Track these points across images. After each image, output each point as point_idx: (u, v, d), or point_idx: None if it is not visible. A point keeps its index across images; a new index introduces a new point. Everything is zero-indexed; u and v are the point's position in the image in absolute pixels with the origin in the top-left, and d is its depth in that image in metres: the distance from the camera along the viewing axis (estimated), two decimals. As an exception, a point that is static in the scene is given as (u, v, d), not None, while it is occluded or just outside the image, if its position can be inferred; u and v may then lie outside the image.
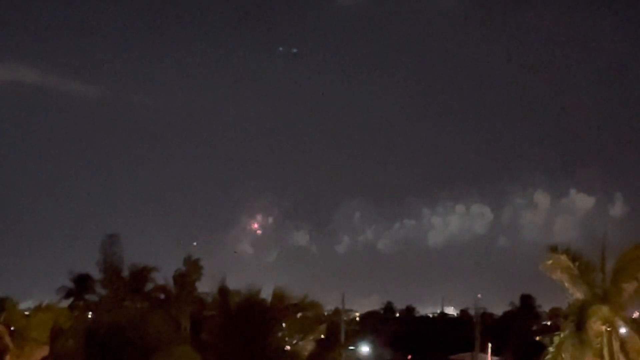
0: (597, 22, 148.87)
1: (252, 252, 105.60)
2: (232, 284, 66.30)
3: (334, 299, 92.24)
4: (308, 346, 65.24)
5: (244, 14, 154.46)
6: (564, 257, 40.55)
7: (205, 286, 70.68)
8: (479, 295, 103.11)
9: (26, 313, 57.77)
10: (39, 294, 65.05)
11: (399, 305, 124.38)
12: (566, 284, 40.62)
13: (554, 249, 41.20)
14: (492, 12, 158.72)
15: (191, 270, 69.60)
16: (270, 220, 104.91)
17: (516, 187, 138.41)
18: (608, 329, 39.39)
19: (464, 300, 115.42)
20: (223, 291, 63.65)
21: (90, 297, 68.21)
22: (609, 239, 41.63)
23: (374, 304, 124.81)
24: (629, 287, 39.49)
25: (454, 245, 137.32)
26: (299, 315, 64.50)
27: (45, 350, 53.15)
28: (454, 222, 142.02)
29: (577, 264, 40.26)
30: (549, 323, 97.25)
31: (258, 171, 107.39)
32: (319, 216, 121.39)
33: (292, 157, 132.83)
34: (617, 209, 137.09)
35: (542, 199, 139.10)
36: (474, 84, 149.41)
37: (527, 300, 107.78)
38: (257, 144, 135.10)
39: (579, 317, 39.46)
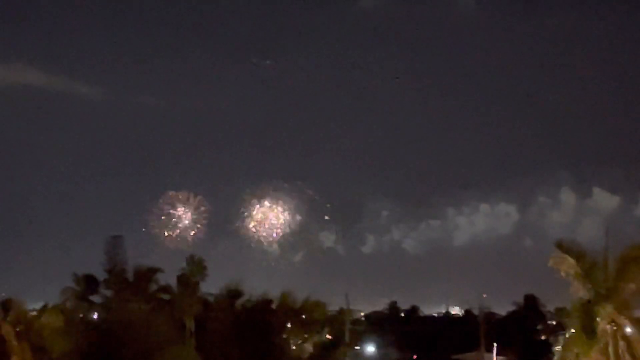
0: (617, 22, 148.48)
1: (279, 253, 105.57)
2: (253, 284, 66.10)
3: (354, 299, 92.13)
4: (312, 346, 65.47)
5: (253, 14, 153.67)
6: (568, 256, 40.56)
7: (212, 286, 70.79)
8: (484, 295, 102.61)
9: (34, 314, 57.79)
10: (49, 295, 65.13)
11: (404, 305, 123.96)
12: (573, 282, 40.64)
13: (559, 245, 41.14)
14: (514, 13, 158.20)
15: (195, 270, 69.61)
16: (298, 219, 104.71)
17: (541, 186, 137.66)
18: (614, 327, 39.32)
19: (470, 300, 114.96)
20: (232, 294, 63.88)
21: (95, 299, 68.29)
22: (631, 239, 41.52)
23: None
24: (630, 287, 39.43)
25: (478, 245, 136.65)
26: (303, 316, 64.83)
27: (50, 351, 53.19)
28: (479, 221, 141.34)
29: (581, 262, 40.27)
30: (554, 323, 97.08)
31: (282, 172, 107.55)
32: (346, 216, 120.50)
33: (319, 159, 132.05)
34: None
35: (567, 197, 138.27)
36: (499, 83, 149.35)
37: (531, 301, 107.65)
38: (280, 145, 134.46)
39: (585, 315, 39.44)
